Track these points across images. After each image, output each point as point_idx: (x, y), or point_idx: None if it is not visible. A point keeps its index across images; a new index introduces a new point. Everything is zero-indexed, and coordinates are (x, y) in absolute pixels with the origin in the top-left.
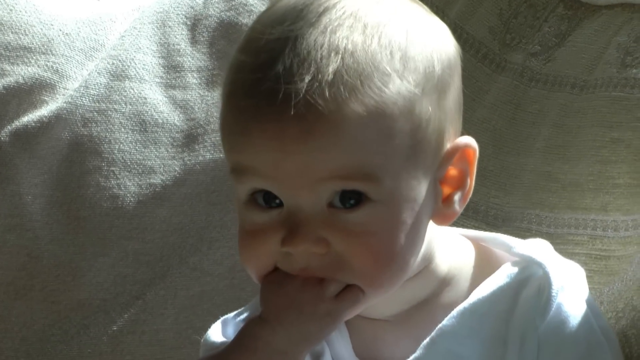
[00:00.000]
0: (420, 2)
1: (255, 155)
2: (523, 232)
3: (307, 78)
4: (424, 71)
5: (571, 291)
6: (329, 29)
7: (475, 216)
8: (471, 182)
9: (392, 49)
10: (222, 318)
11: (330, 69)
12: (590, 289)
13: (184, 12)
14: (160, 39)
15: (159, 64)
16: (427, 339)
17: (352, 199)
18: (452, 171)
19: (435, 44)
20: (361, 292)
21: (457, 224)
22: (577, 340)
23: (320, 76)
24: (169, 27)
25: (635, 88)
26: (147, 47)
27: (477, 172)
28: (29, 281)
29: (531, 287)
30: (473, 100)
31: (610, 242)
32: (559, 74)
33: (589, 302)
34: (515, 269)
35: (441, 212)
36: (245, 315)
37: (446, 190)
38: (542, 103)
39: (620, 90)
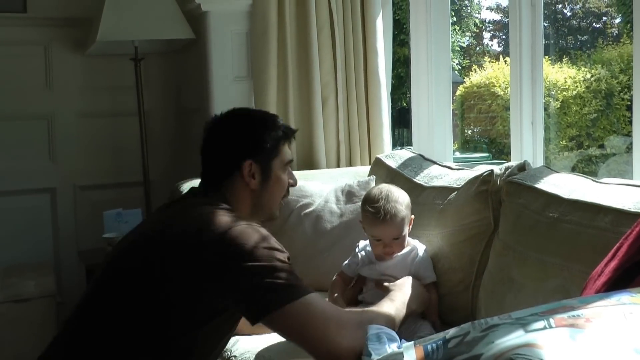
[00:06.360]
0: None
1: (376, 230)
2: None
3: (389, 211)
4: (407, 207)
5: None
6: (389, 200)
7: None
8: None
9: (402, 202)
10: None
11: (392, 209)
12: None
13: None
14: None
15: None
16: None
17: (396, 239)
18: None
19: (406, 199)
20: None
21: None
22: None
23: (390, 210)
24: None
25: None
26: None
27: None
28: None
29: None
30: None
31: None
32: None
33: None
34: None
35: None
36: None
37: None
38: None
39: None
